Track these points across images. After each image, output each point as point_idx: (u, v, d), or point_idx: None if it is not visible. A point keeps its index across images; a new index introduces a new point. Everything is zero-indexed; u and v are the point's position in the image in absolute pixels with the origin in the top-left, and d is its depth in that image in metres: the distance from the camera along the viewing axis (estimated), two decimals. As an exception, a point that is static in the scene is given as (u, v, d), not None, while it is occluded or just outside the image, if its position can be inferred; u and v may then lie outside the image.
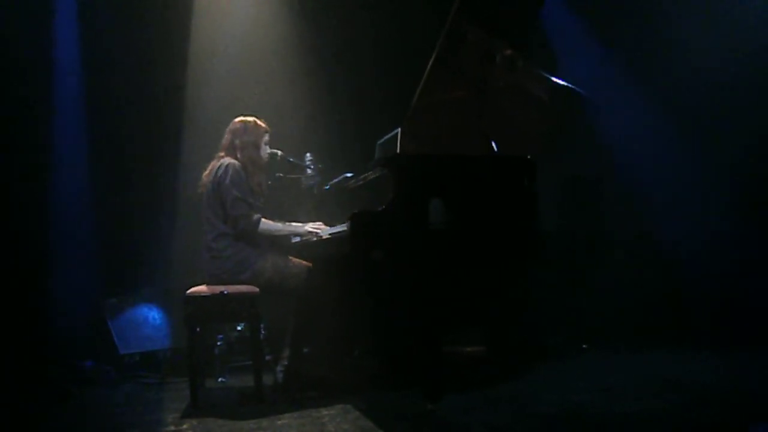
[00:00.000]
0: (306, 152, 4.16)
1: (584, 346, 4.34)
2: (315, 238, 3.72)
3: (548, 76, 4.06)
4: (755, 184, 4.39)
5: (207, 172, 3.73)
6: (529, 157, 3.57)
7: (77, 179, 4.71)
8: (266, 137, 3.82)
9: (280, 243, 3.99)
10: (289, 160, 4.09)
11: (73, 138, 4.74)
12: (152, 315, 4.60)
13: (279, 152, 4.03)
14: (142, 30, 4.86)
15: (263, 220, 3.66)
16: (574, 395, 3.27)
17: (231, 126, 3.79)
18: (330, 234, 3.58)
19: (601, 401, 3.16)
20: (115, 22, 4.81)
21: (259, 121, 3.81)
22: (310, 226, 3.76)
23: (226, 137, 3.78)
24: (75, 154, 4.74)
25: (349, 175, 3.98)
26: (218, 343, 4.28)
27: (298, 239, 3.93)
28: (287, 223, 3.82)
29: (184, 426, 3.13)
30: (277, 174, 4.14)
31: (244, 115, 3.83)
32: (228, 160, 3.68)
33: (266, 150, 3.83)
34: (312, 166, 4.12)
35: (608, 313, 4.39)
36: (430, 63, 3.69)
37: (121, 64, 4.83)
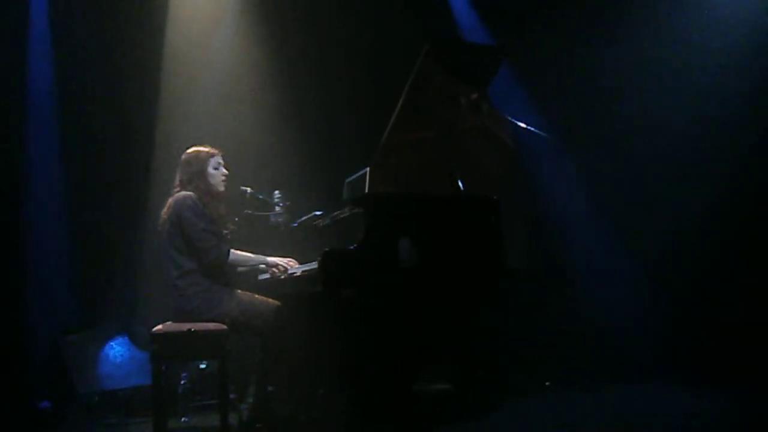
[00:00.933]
0: (274, 189, 4.18)
1: (547, 383, 4.40)
2: (283, 276, 3.72)
3: (511, 119, 4.20)
4: (729, 223, 4.54)
5: (165, 209, 3.66)
6: (494, 197, 3.67)
7: (40, 210, 4.63)
8: (213, 160, 3.69)
9: (246, 280, 3.97)
10: (258, 197, 4.10)
11: (44, 169, 4.69)
12: (113, 353, 4.49)
13: (248, 189, 4.04)
14: (114, 65, 4.87)
15: (232, 250, 3.65)
16: (540, 432, 3.32)
17: (179, 164, 3.73)
18: (300, 272, 3.59)
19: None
20: (86, 53, 4.81)
21: (202, 148, 3.72)
22: (279, 260, 3.76)
23: (176, 176, 3.72)
24: (44, 185, 4.67)
25: (318, 213, 4.00)
26: (182, 382, 4.21)
27: (266, 276, 3.92)
28: (256, 255, 3.78)
29: (147, 469, 3.06)
30: (246, 211, 4.13)
31: (193, 146, 3.76)
32: (183, 193, 3.62)
33: (219, 173, 3.70)
34: (280, 204, 4.14)
35: (571, 351, 4.46)
36: (400, 103, 3.78)
37: (92, 99, 4.81)
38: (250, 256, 3.75)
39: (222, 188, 3.73)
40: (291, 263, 3.74)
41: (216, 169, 3.70)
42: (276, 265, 3.74)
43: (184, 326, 3.44)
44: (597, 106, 4.89)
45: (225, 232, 3.74)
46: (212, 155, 3.71)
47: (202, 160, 3.68)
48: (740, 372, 4.09)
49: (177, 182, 3.71)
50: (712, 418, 3.46)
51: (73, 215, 4.72)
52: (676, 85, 4.74)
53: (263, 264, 3.80)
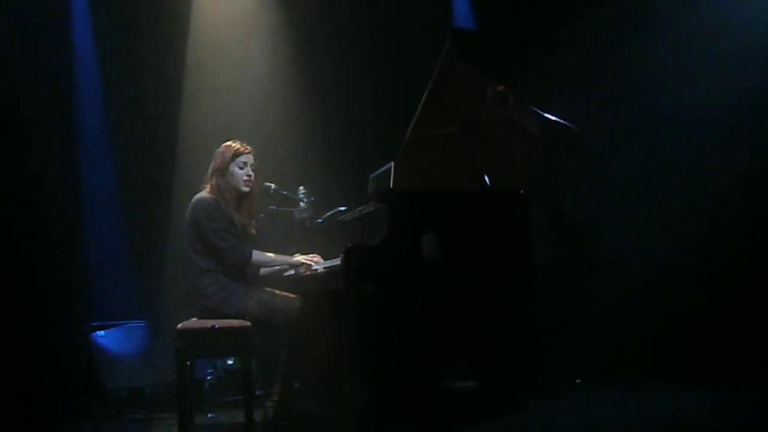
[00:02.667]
0: (299, 185, 4.16)
1: (578, 380, 4.31)
2: (308, 272, 3.69)
3: (539, 111, 4.12)
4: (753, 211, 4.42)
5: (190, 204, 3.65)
6: (521, 191, 3.60)
7: (68, 209, 4.67)
8: (239, 159, 3.61)
9: (273, 276, 3.97)
10: (282, 193, 4.09)
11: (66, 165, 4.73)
12: (140, 349, 4.52)
13: (272, 185, 4.03)
14: (137, 63, 4.89)
15: (256, 251, 3.63)
16: (569, 432, 3.25)
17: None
18: (324, 267, 3.56)
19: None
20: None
21: (232, 143, 3.66)
22: (303, 258, 3.73)
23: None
24: (70, 182, 4.71)
25: (342, 208, 3.98)
26: (208, 378, 4.22)
27: (292, 272, 3.90)
28: (278, 255, 3.76)
29: (173, 464, 3.07)
30: (270, 207, 4.13)
31: (228, 140, 3.71)
32: (200, 194, 3.61)
33: (242, 173, 3.61)
34: (305, 199, 4.12)
35: (602, 348, 4.37)
36: (423, 98, 3.73)
37: (113, 95, 4.85)
38: (274, 258, 3.72)
39: (244, 188, 3.64)
40: (315, 259, 3.71)
41: (241, 168, 3.62)
42: (301, 264, 3.71)
43: (208, 323, 3.44)
44: (626, 100, 4.78)
45: (252, 231, 3.73)
46: (239, 153, 3.62)
47: (226, 158, 3.62)
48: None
49: (208, 175, 3.69)
50: (745, 420, 3.35)
51: (102, 213, 4.75)
52: (707, 78, 4.60)
53: (287, 264, 3.78)
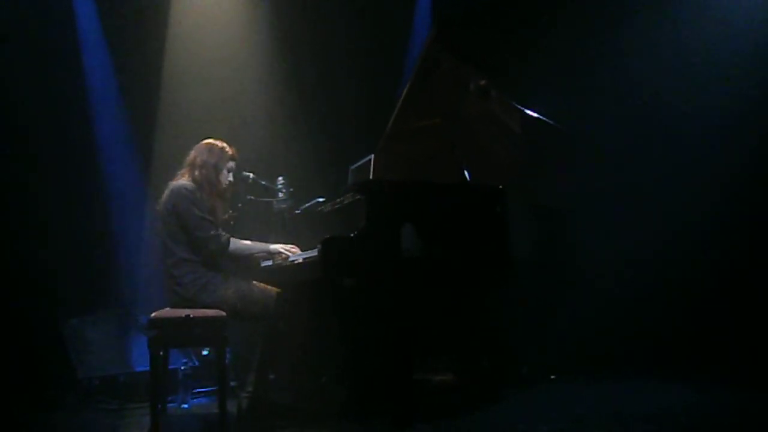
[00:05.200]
0: (278, 176, 4.13)
1: (552, 377, 4.33)
2: (287, 263, 3.66)
3: (521, 107, 4.12)
4: (736, 212, 4.46)
5: (164, 195, 3.60)
6: (500, 185, 3.60)
7: (38, 194, 4.57)
8: (230, 164, 3.69)
9: (248, 267, 3.93)
10: (261, 183, 4.04)
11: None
12: (113, 337, 4.46)
13: (251, 175, 3.98)
14: (116, 54, 4.84)
15: (233, 239, 3.60)
16: (544, 425, 3.25)
17: (198, 145, 3.69)
18: (302, 259, 3.53)
19: (572, 431, 3.14)
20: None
21: (227, 147, 3.70)
22: (281, 247, 3.71)
23: (191, 154, 3.67)
24: (38, 172, 4.61)
25: (321, 199, 3.95)
26: (182, 368, 4.17)
27: (269, 263, 3.87)
28: (256, 243, 3.73)
29: (143, 455, 3.03)
30: (249, 197, 4.08)
31: (216, 138, 3.74)
32: (181, 181, 3.57)
33: (228, 177, 3.68)
34: (284, 190, 4.08)
35: (577, 343, 4.40)
36: (405, 90, 3.71)
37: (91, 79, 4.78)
38: (251, 245, 3.70)
39: (224, 189, 3.68)
40: (294, 250, 3.69)
41: (229, 171, 3.69)
42: (278, 252, 3.69)
43: (182, 312, 3.39)
44: (611, 94, 4.81)
45: (226, 217, 3.69)
46: (233, 158, 3.69)
47: (222, 157, 3.65)
48: (746, 367, 4.01)
49: (188, 161, 3.65)
50: (714, 413, 3.40)
51: (72, 200, 4.68)
52: (690, 74, 4.64)
53: (265, 252, 3.75)
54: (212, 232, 3.50)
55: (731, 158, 4.48)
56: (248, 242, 3.70)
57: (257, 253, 3.76)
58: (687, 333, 4.42)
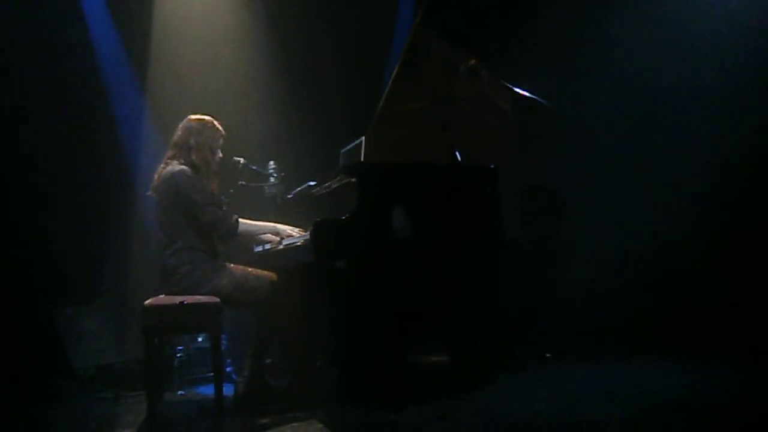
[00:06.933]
0: (269, 160, 4.11)
1: (548, 354, 4.35)
2: (279, 247, 3.66)
3: (511, 87, 4.10)
4: (723, 191, 4.46)
5: (157, 174, 3.56)
6: (491, 166, 3.59)
7: (31, 184, 4.55)
8: (221, 141, 3.66)
9: (244, 253, 3.93)
10: (252, 168, 4.03)
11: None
12: (108, 326, 4.45)
13: (241, 160, 3.97)
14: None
15: (240, 219, 3.57)
16: (538, 404, 3.27)
17: (185, 123, 3.61)
18: (295, 243, 3.52)
19: (566, 410, 3.16)
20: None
21: (216, 123, 3.65)
22: (289, 228, 3.69)
23: (179, 134, 3.59)
24: (29, 161, 4.58)
25: (312, 183, 3.94)
26: (178, 355, 4.18)
27: (260, 248, 3.87)
28: (264, 223, 3.72)
29: (140, 441, 3.04)
30: (240, 182, 4.06)
31: (200, 114, 3.67)
32: (177, 166, 3.50)
33: (219, 155, 3.66)
34: (275, 174, 4.07)
35: (571, 323, 4.41)
36: (394, 73, 3.69)
37: (79, 62, 4.72)
38: (260, 225, 3.70)
39: (218, 169, 3.65)
40: (302, 232, 3.66)
41: (219, 149, 3.65)
42: (278, 234, 3.68)
43: (176, 299, 3.39)
44: (602, 75, 4.78)
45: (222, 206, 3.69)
46: (222, 135, 3.65)
47: (216, 136, 3.62)
48: (737, 346, 4.03)
49: (178, 143, 3.58)
50: (707, 392, 3.41)
51: (65, 189, 4.65)
52: (682, 51, 4.62)
53: (273, 232, 3.72)
54: (220, 215, 3.48)
55: (726, 137, 4.46)
56: (256, 222, 3.69)
57: (266, 232, 3.72)
58: (681, 312, 4.43)
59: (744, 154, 4.39)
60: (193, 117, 3.65)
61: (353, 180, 3.29)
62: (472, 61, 3.91)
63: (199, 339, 4.36)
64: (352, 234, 3.13)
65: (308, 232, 3.23)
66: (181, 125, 3.64)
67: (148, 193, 3.62)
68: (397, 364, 3.18)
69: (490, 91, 4.05)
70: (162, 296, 3.46)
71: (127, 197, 4.69)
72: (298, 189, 4.09)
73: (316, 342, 3.96)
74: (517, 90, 4.10)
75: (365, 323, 3.42)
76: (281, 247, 3.62)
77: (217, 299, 3.42)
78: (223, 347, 3.81)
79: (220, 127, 3.66)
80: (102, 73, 4.81)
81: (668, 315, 4.46)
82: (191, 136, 3.56)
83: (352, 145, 3.98)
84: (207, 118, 3.65)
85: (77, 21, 4.72)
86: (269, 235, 3.73)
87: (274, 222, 3.78)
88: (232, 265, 3.61)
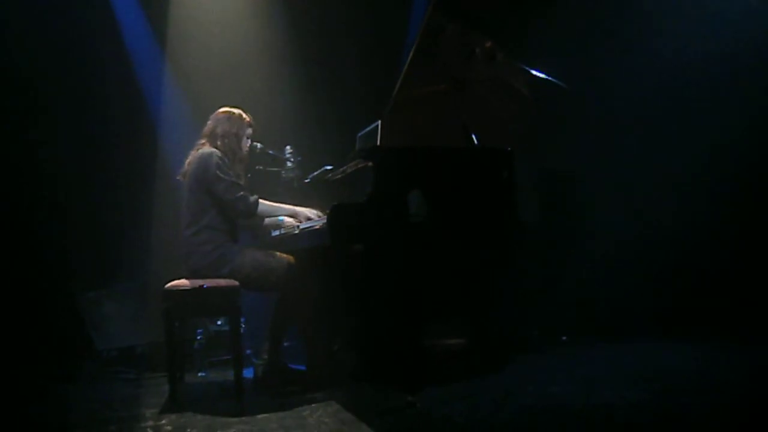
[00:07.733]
0: (286, 145, 4.13)
1: (563, 337, 4.36)
2: (296, 231, 3.69)
3: (528, 69, 4.07)
4: (736, 175, 4.42)
5: (188, 160, 3.68)
6: (508, 149, 3.58)
7: (54, 169, 4.61)
8: (249, 131, 3.78)
9: (261, 236, 3.97)
10: (269, 153, 4.05)
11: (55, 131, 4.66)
12: (130, 309, 4.53)
13: (259, 145, 4.00)
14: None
15: (260, 200, 3.64)
16: (554, 387, 3.29)
17: (214, 115, 3.76)
18: (310, 227, 3.55)
19: (582, 392, 3.17)
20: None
21: (244, 114, 3.78)
22: (310, 211, 3.75)
23: (209, 124, 3.74)
24: (56, 146, 4.64)
25: (328, 167, 3.95)
26: (198, 338, 4.24)
27: (277, 232, 3.90)
28: (283, 205, 3.80)
29: (163, 421, 3.10)
30: (257, 167, 4.10)
31: (231, 106, 3.79)
32: (208, 149, 3.63)
33: (247, 144, 3.78)
34: (292, 159, 4.10)
35: (587, 305, 4.41)
36: (410, 57, 3.68)
37: (99, 54, 4.75)
38: (278, 206, 3.77)
39: (246, 157, 3.79)
40: (320, 215, 3.71)
41: (248, 138, 3.78)
42: (296, 216, 3.74)
43: (196, 283, 3.45)
44: (619, 57, 4.72)
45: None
46: (250, 126, 3.79)
47: (242, 125, 3.75)
48: (755, 328, 4.01)
49: (207, 132, 3.71)
50: (722, 372, 3.41)
51: (88, 173, 4.71)
52: (703, 31, 4.55)
53: (292, 214, 3.78)
54: (240, 193, 3.56)
55: (743, 121, 4.40)
56: (276, 204, 3.77)
57: (285, 214, 3.80)
58: (697, 294, 4.40)
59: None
60: (223, 109, 3.78)
61: (370, 164, 3.30)
62: (488, 44, 3.89)
63: (218, 322, 4.42)
64: (369, 218, 3.15)
65: (326, 216, 3.26)
66: (211, 117, 3.78)
67: (178, 177, 3.71)
68: (414, 346, 3.21)
69: (506, 73, 4.02)
70: (182, 280, 3.51)
71: (150, 182, 4.75)
72: (315, 173, 4.11)
73: (334, 325, 4.00)
74: (534, 72, 4.07)
75: (382, 306, 3.44)
76: (297, 231, 3.65)
77: (236, 283, 3.47)
78: (242, 330, 3.85)
79: (247, 118, 3.78)
80: (127, 54, 4.86)
81: (686, 296, 4.43)
82: (218, 125, 3.72)
83: (368, 129, 3.98)
84: (235, 110, 3.78)
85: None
86: (287, 218, 3.77)
87: (290, 205, 3.82)
88: (252, 247, 3.67)
